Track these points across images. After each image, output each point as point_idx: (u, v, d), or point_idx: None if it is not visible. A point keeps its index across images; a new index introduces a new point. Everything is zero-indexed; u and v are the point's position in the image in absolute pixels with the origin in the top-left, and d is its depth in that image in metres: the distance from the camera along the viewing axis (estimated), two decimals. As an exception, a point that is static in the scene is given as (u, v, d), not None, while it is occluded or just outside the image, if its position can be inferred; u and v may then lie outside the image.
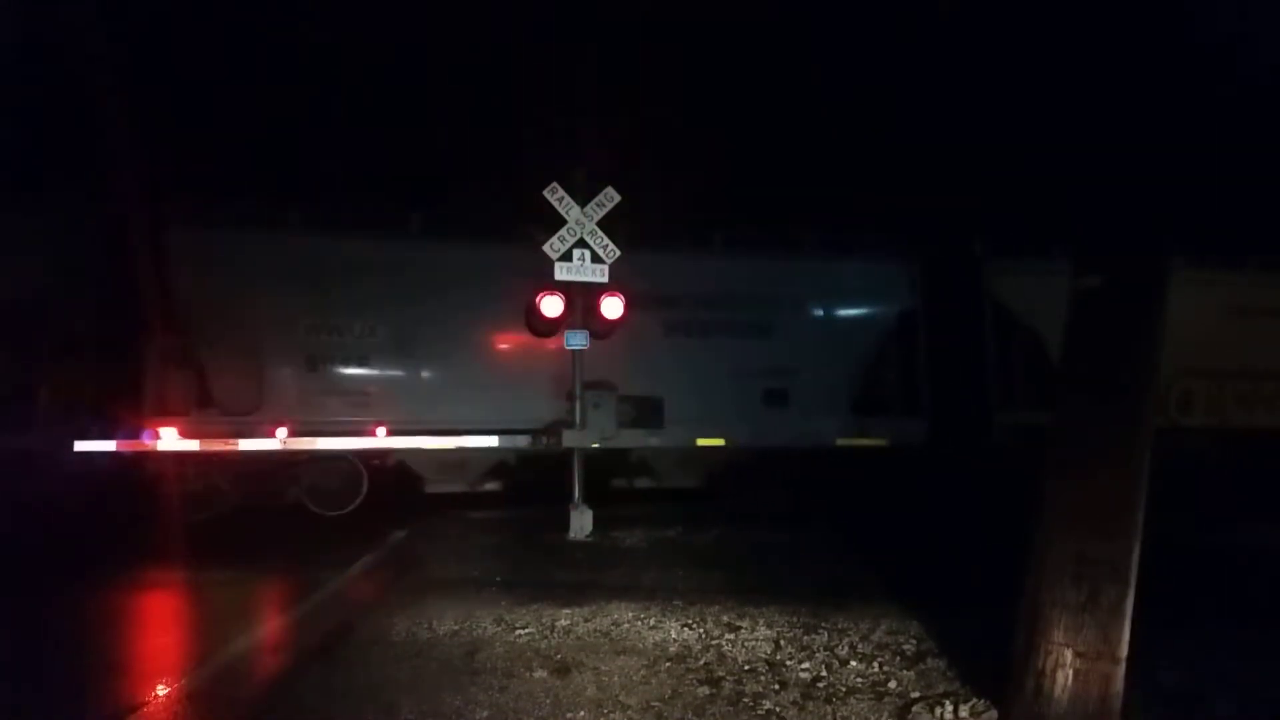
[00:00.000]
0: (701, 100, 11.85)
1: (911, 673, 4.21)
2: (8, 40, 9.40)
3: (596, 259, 7.97)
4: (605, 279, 8.03)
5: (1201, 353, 10.84)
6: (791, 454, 10.17)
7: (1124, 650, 3.28)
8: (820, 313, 11.00)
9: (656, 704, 3.81)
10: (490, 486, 10.13)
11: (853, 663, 4.35)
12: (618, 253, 7.98)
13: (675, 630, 4.87)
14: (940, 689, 3.99)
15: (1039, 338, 10.48)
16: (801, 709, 3.79)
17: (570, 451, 8.18)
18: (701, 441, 9.86)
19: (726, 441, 9.90)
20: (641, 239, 8.85)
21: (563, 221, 7.87)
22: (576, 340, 8.04)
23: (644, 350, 9.82)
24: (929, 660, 4.38)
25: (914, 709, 3.76)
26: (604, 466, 9.64)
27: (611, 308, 8.10)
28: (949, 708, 3.71)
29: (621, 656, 4.42)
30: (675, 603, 5.46)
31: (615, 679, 4.10)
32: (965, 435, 10.55)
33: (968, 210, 11.88)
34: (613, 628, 4.93)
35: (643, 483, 10.33)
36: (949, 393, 10.77)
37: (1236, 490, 10.03)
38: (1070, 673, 3.27)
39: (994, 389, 10.79)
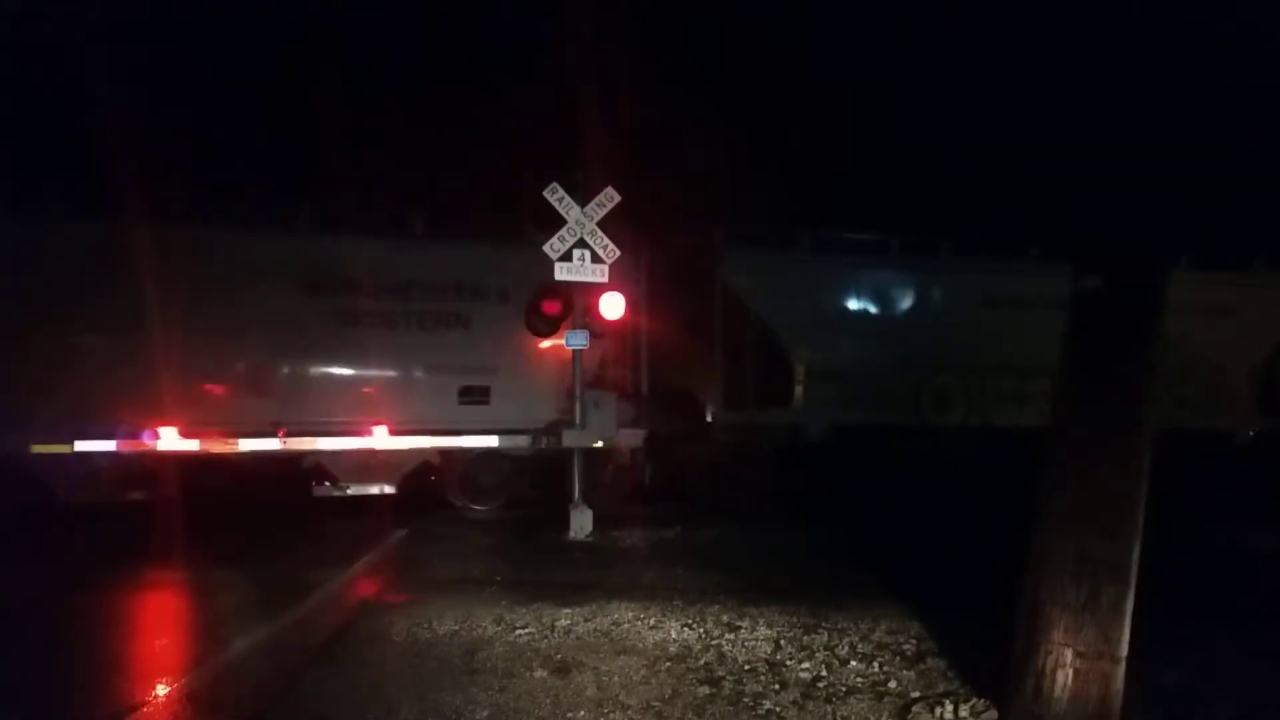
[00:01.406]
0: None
1: (911, 672, 4.21)
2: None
3: (596, 259, 7.97)
4: (605, 279, 8.04)
5: (961, 347, 10.69)
6: (497, 455, 9.53)
7: (1124, 650, 3.28)
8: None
9: (657, 704, 3.81)
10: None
11: (853, 662, 4.35)
12: (618, 252, 7.98)
13: (675, 630, 4.87)
14: (940, 689, 3.99)
15: (774, 332, 10.22)
16: (801, 709, 3.79)
17: (570, 451, 8.18)
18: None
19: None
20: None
21: (563, 221, 7.87)
22: (576, 340, 8.04)
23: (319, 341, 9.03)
24: (929, 660, 4.38)
25: (914, 709, 3.76)
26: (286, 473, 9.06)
27: (611, 307, 8.11)
28: (949, 707, 3.71)
29: (621, 656, 4.43)
30: (675, 602, 5.46)
31: (615, 679, 4.10)
32: (686, 435, 10.18)
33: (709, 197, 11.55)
34: (613, 627, 4.93)
35: (323, 491, 9.19)
36: (672, 390, 10.29)
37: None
38: (1070, 672, 3.27)
39: (721, 386, 10.14)
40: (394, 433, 9.03)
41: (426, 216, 9.39)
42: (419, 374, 9.30)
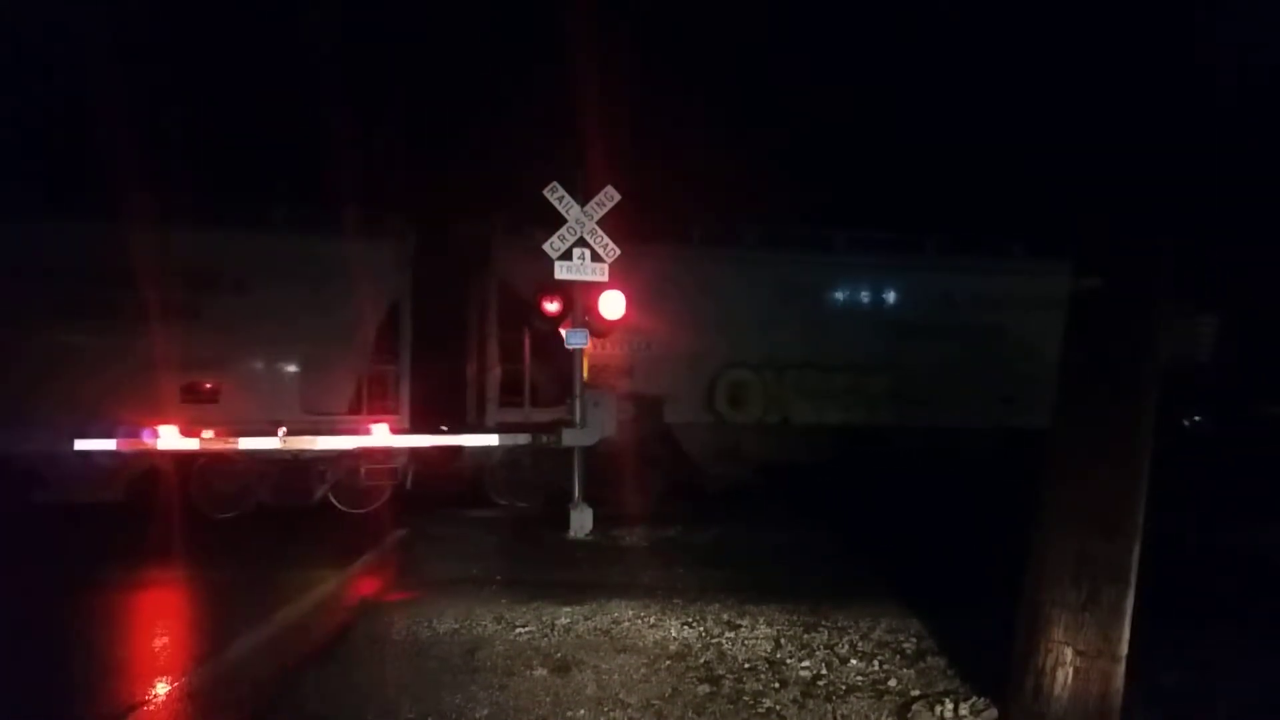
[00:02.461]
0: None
1: (912, 671, 4.21)
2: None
3: (596, 258, 7.97)
4: (605, 278, 8.03)
5: (760, 341, 10.30)
6: (219, 458, 8.77)
7: (1124, 649, 3.28)
8: (266, 296, 8.93)
9: (657, 702, 3.81)
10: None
11: (853, 661, 4.36)
12: (618, 251, 7.98)
13: (675, 628, 4.88)
14: (940, 687, 4.00)
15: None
16: (802, 707, 3.79)
17: (571, 450, 8.18)
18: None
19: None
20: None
21: (563, 220, 7.87)
22: (576, 339, 8.03)
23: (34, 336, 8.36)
24: (929, 658, 4.38)
25: (914, 707, 3.76)
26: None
27: (611, 307, 8.10)
28: (949, 706, 3.71)
29: (622, 655, 4.43)
30: (675, 601, 5.46)
31: (615, 677, 4.10)
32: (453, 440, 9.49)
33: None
34: (613, 626, 4.93)
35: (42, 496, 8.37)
36: (434, 391, 9.65)
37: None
38: (1070, 671, 3.28)
39: (499, 384, 9.65)
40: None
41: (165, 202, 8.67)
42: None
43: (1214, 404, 13.22)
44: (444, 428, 9.38)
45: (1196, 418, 13.62)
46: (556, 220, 7.90)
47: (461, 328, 10.33)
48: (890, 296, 11.04)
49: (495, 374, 9.73)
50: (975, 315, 10.97)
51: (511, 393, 9.70)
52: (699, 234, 10.53)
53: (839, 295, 10.98)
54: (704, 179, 12.81)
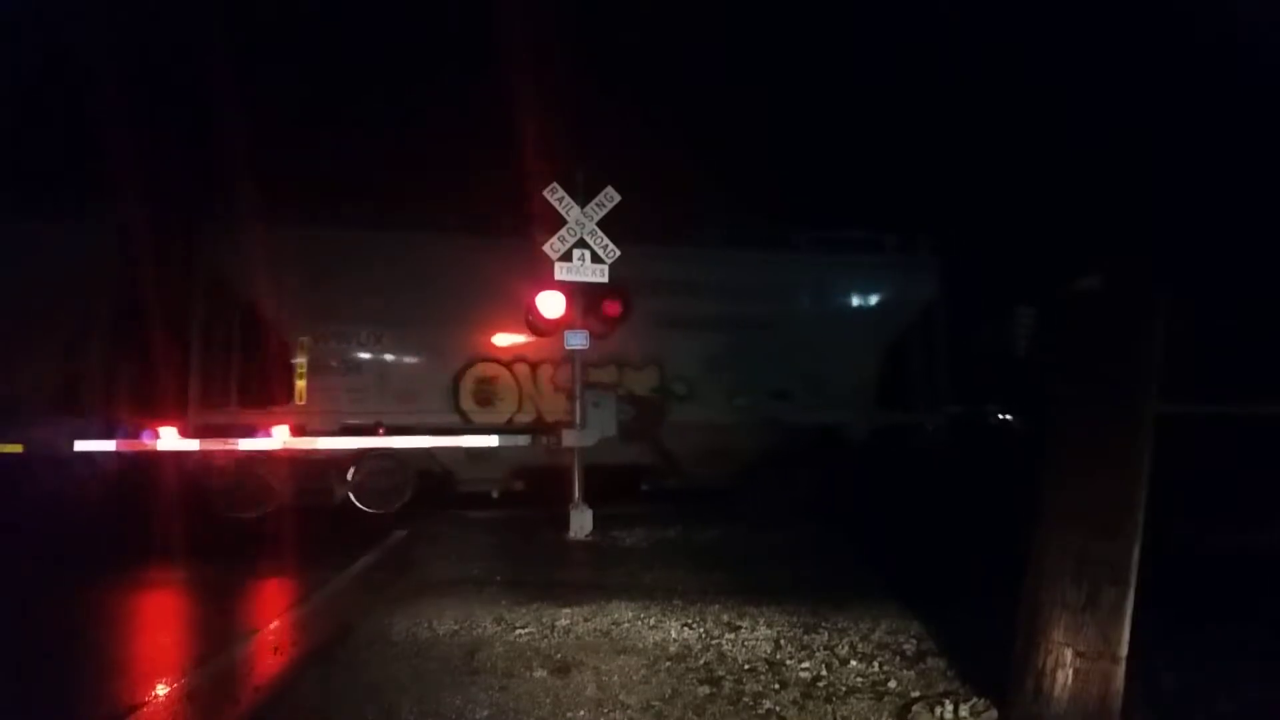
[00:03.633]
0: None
1: (911, 672, 4.21)
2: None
3: (596, 259, 7.97)
4: (605, 279, 8.03)
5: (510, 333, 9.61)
6: None
7: (1124, 650, 3.28)
8: None
9: (657, 703, 3.81)
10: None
11: (853, 662, 4.35)
12: (618, 252, 7.98)
13: (675, 630, 4.87)
14: (940, 688, 3.99)
15: (269, 320, 8.88)
16: (801, 708, 3.79)
17: (572, 451, 8.18)
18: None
19: None
20: None
21: (563, 221, 7.87)
22: (576, 340, 8.03)
23: None
24: (929, 660, 4.38)
25: (914, 708, 3.76)
26: None
27: (612, 307, 8.11)
28: (949, 707, 3.71)
29: (622, 656, 4.42)
30: (675, 602, 5.46)
31: (615, 678, 4.10)
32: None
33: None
34: (613, 627, 4.93)
35: None
36: (147, 389, 8.90)
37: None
38: (1070, 672, 3.28)
39: (200, 383, 9.00)
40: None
41: None
42: None
43: (1026, 400, 12.51)
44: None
45: (1007, 415, 13.02)
46: (556, 221, 7.90)
47: (169, 322, 9.21)
48: (659, 287, 10.08)
49: (197, 372, 9.05)
50: (749, 307, 10.38)
51: (219, 393, 9.07)
52: (456, 221, 9.91)
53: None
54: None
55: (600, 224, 7.95)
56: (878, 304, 10.96)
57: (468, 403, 9.69)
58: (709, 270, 10.40)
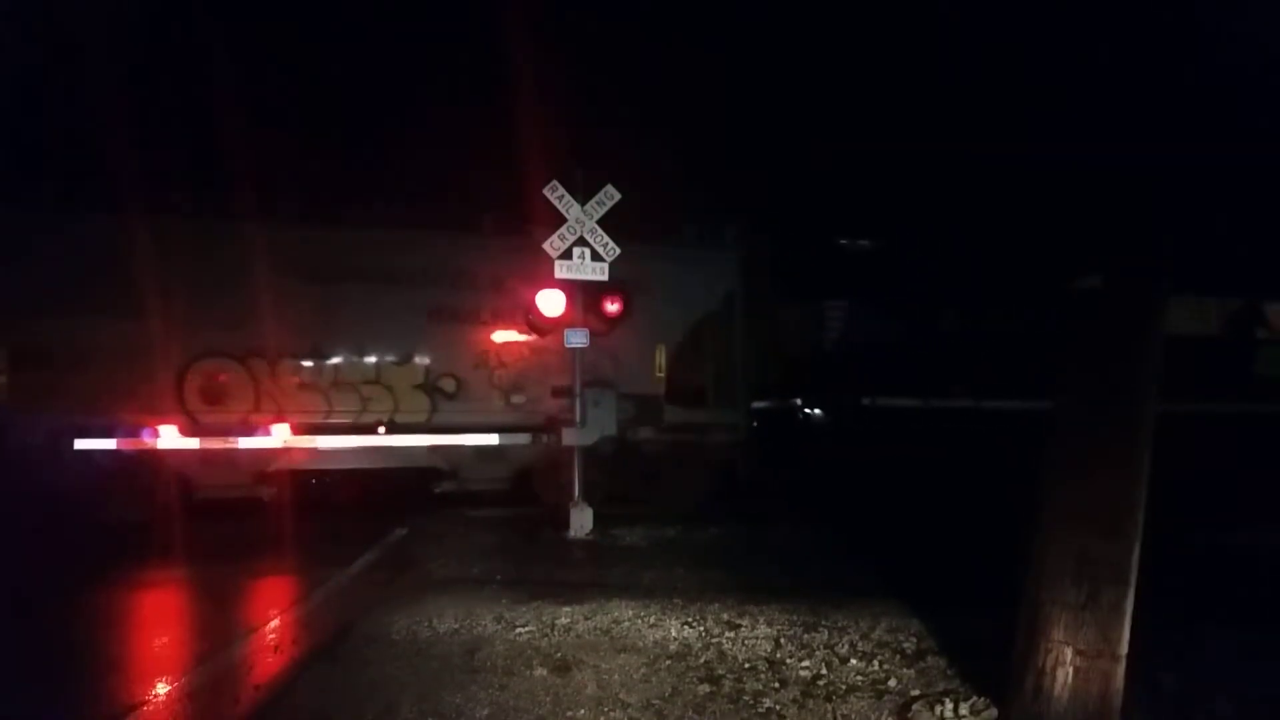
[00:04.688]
0: None
1: (911, 671, 4.22)
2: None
3: (596, 257, 7.96)
4: (605, 277, 8.03)
5: (249, 328, 8.69)
6: None
7: (1124, 649, 3.29)
8: None
9: (657, 702, 3.81)
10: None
11: (853, 661, 4.36)
12: (617, 250, 7.97)
13: (675, 628, 4.88)
14: (940, 687, 4.00)
15: None
16: (801, 707, 3.79)
17: (571, 449, 8.18)
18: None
19: None
20: None
21: (563, 220, 7.87)
22: (576, 338, 8.03)
23: None
24: (929, 658, 4.39)
25: (914, 707, 3.77)
26: None
27: (612, 306, 8.10)
28: (949, 706, 3.71)
29: (622, 654, 4.43)
30: (675, 601, 5.46)
31: (615, 677, 4.11)
32: None
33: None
34: (613, 626, 4.93)
35: None
36: None
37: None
38: (1070, 671, 3.28)
39: None
40: None
41: None
42: None
43: (834, 393, 11.85)
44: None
45: (815, 409, 12.19)
46: (555, 217, 7.87)
47: None
48: (425, 276, 9.32)
49: None
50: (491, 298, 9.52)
51: None
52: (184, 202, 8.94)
53: (378, 277, 9.19)
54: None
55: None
56: (673, 296, 10.01)
57: (194, 401, 8.80)
58: (483, 259, 9.49)
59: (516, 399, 9.61)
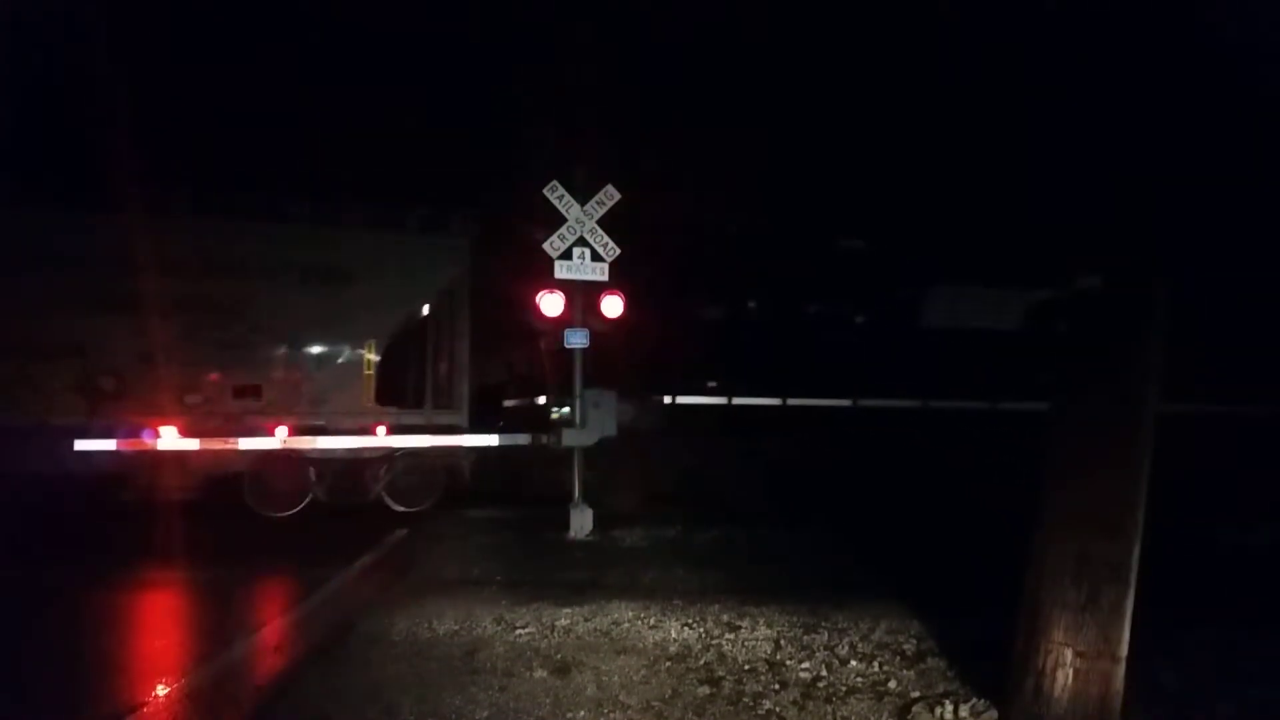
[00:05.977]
0: None
1: (911, 672, 4.22)
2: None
3: (596, 257, 7.96)
4: (605, 277, 8.02)
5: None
6: None
7: (1124, 650, 3.29)
8: None
9: (657, 703, 3.81)
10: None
11: (853, 662, 4.36)
12: (617, 251, 7.97)
13: (675, 630, 4.88)
14: (940, 688, 4.00)
15: None
16: (801, 709, 3.79)
17: (571, 450, 8.18)
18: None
19: None
20: None
21: (563, 220, 7.87)
22: (576, 339, 8.03)
23: None
24: (929, 660, 4.39)
25: (914, 708, 3.76)
26: None
27: (611, 306, 8.10)
28: (949, 707, 3.71)
29: (622, 656, 4.43)
30: (675, 602, 5.46)
31: (615, 678, 4.11)
32: None
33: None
34: (613, 627, 4.93)
35: None
36: None
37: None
38: (1070, 672, 3.28)
39: None
40: None
41: None
42: None
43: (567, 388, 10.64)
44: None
45: (564, 408, 10.84)
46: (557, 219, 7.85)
47: None
48: (78, 259, 8.18)
49: None
50: (208, 286, 8.54)
51: None
52: None
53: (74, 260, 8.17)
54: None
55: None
56: (387, 287, 9.08)
57: None
58: (160, 241, 8.22)
59: (191, 400, 8.58)
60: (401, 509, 9.20)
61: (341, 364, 9.04)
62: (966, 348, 11.19)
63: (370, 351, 9.07)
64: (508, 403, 10.86)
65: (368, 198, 9.23)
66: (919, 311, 11.75)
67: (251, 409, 8.67)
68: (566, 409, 9.57)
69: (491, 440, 9.34)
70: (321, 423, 8.86)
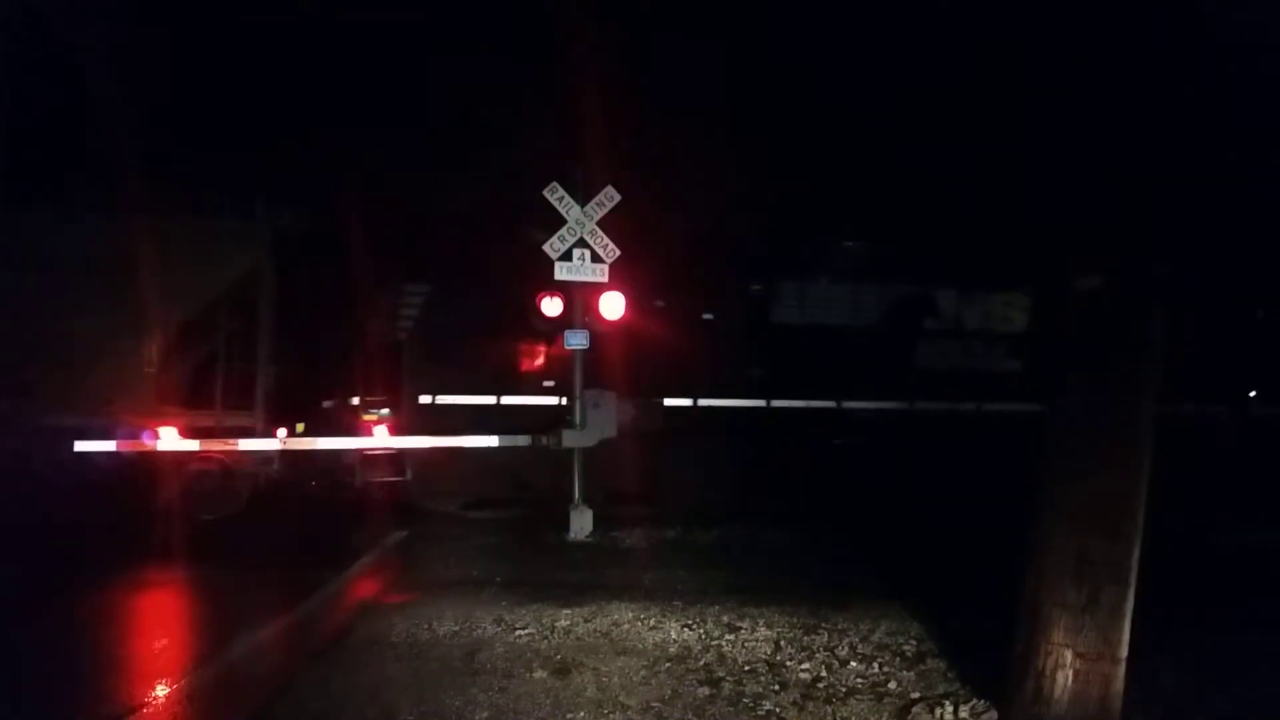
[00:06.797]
0: None
1: (911, 673, 4.21)
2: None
3: (596, 258, 7.96)
4: (605, 278, 8.02)
5: None
6: None
7: (1124, 651, 3.28)
8: None
9: (656, 704, 3.81)
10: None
11: (853, 663, 4.35)
12: (618, 252, 7.97)
13: (675, 631, 4.87)
14: (940, 689, 3.99)
15: None
16: (801, 709, 3.79)
17: (570, 452, 8.17)
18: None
19: None
20: None
21: (562, 221, 7.86)
22: (576, 340, 8.03)
23: None
24: (929, 661, 4.38)
25: (914, 709, 3.76)
26: None
27: (611, 307, 8.09)
28: (949, 708, 3.71)
29: (621, 657, 4.42)
30: (675, 603, 5.46)
31: (615, 679, 4.10)
32: None
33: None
34: (613, 628, 4.92)
35: None
36: None
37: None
38: (1070, 673, 3.28)
39: None
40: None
41: None
42: None
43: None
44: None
45: (383, 410, 10.38)
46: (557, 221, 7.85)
47: None
48: None
49: None
50: None
51: None
52: None
53: None
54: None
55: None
56: (173, 277, 8.22)
57: None
58: None
59: None
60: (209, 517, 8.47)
61: (109, 358, 8.17)
62: (966, 348, 11.19)
63: (152, 348, 8.30)
64: (327, 404, 9.89)
65: (155, 181, 8.27)
66: (918, 314, 11.75)
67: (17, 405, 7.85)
68: (387, 410, 9.36)
69: (491, 441, 9.32)
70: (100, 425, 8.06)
